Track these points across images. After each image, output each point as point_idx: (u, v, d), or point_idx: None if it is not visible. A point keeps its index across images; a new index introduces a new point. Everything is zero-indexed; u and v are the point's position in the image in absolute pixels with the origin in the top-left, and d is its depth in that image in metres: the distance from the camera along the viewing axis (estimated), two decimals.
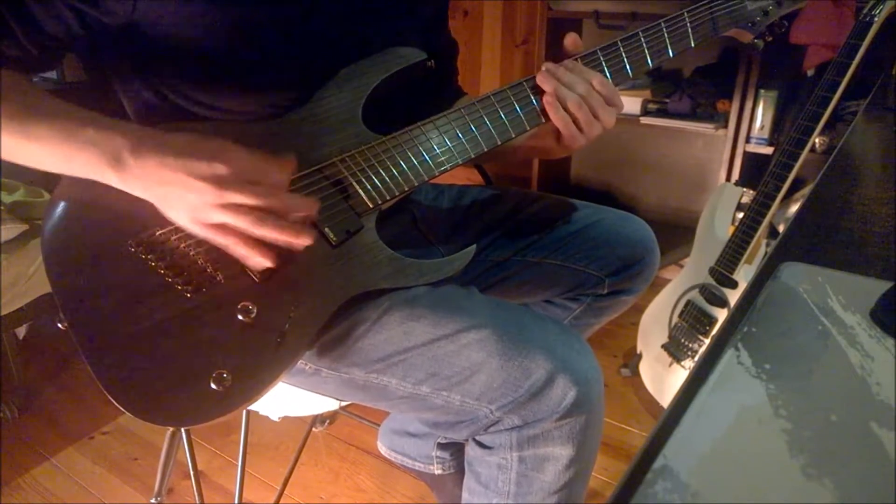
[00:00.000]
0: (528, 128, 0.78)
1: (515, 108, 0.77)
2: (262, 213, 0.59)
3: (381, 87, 0.77)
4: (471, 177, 2.33)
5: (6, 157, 0.60)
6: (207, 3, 0.66)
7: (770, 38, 0.85)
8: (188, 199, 0.58)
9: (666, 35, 0.79)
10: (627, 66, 0.79)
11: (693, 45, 0.81)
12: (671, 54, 0.81)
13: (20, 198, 1.55)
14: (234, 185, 0.58)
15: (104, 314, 0.65)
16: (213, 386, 0.63)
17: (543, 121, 0.77)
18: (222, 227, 0.60)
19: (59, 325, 0.66)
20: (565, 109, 0.74)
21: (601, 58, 0.78)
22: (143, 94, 0.75)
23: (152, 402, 0.63)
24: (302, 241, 0.61)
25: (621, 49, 0.78)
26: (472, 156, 0.77)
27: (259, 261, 0.62)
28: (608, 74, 0.78)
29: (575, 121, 0.75)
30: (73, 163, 0.59)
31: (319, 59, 0.76)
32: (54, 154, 0.59)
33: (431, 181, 0.80)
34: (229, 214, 0.59)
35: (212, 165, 0.57)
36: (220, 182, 0.57)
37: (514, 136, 0.77)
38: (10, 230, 1.47)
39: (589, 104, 0.74)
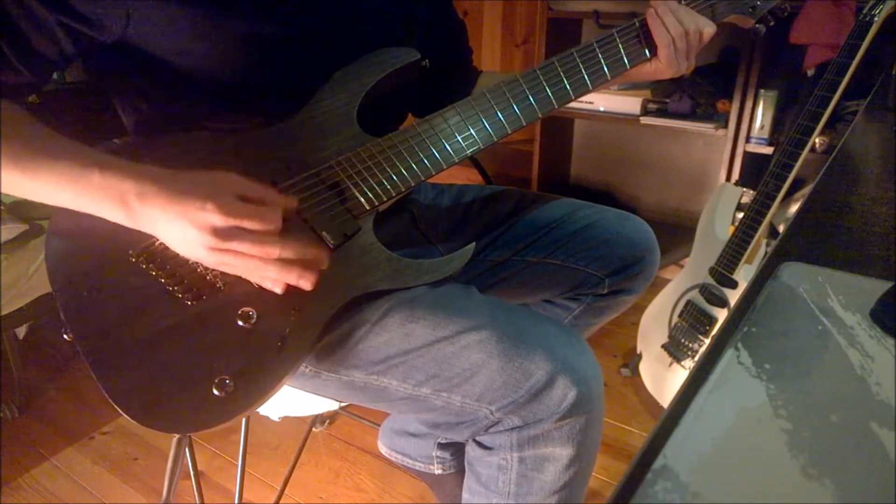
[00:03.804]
0: (525, 123, 0.78)
1: (511, 105, 0.77)
2: (256, 261, 0.62)
3: (377, 88, 0.77)
4: (471, 176, 2.33)
5: (11, 193, 0.60)
6: (201, 18, 0.67)
7: (772, 23, 0.85)
8: (189, 241, 0.60)
9: None
10: (625, 58, 0.79)
11: None
12: None
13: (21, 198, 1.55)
14: (229, 233, 0.59)
15: (107, 324, 0.65)
16: (215, 392, 0.63)
17: (537, 114, 0.78)
18: (225, 263, 0.62)
19: (65, 336, 0.66)
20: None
21: (597, 49, 0.78)
22: (139, 106, 0.76)
23: (155, 409, 0.63)
24: (305, 284, 0.64)
25: (617, 40, 0.78)
26: (469, 154, 0.77)
27: (269, 286, 0.65)
28: (605, 66, 0.78)
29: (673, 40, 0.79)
30: (82, 205, 0.60)
31: (315, 64, 0.76)
32: (61, 195, 0.60)
33: (430, 180, 0.80)
34: (227, 257, 0.61)
35: (206, 212, 0.58)
36: (215, 231, 0.59)
37: (509, 131, 0.78)
38: (10, 230, 1.47)
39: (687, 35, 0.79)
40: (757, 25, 0.84)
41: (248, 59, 0.71)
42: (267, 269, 0.62)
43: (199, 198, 0.59)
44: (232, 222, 0.59)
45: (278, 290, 0.65)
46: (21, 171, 0.58)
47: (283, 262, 0.62)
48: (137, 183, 0.59)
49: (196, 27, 0.67)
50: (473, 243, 0.77)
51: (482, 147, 0.77)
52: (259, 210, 0.61)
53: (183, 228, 0.59)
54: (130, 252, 0.66)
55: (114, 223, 0.61)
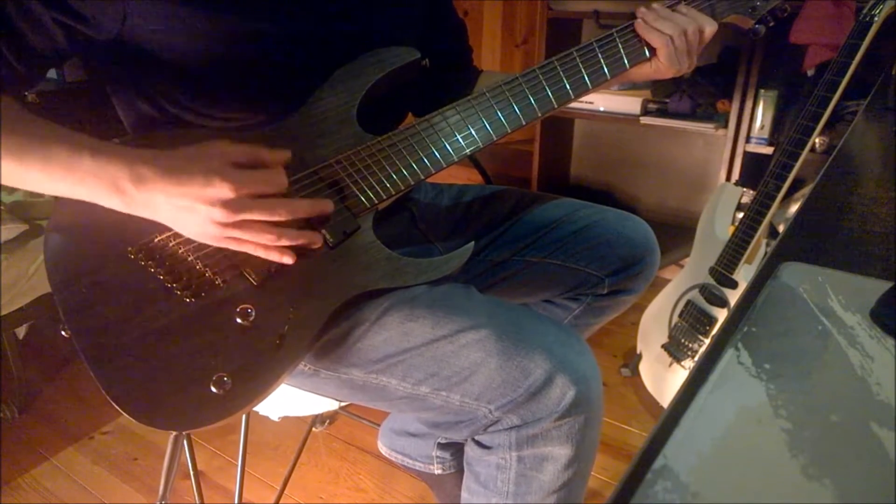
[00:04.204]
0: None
1: (511, 104, 0.77)
2: (271, 226, 0.63)
3: (377, 87, 0.77)
4: (471, 176, 2.33)
5: (6, 183, 0.60)
6: (198, 15, 0.67)
7: (772, 23, 0.85)
8: (198, 221, 0.60)
9: None
10: (625, 58, 0.79)
11: None
12: None
13: (20, 198, 1.55)
14: (241, 204, 0.60)
15: (106, 321, 0.65)
16: (213, 389, 0.63)
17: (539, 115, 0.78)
18: (236, 239, 0.63)
19: (63, 333, 0.66)
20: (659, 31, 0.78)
21: (596, 48, 0.78)
22: (137, 105, 0.75)
23: (154, 406, 0.63)
24: (316, 241, 0.67)
25: (616, 40, 0.78)
26: (469, 153, 0.77)
27: (278, 258, 0.66)
28: (604, 65, 0.78)
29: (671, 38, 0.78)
30: (76, 192, 0.60)
31: (315, 63, 0.76)
32: (55, 183, 0.60)
33: (429, 180, 0.80)
34: (241, 232, 0.62)
35: (214, 187, 0.58)
36: (226, 204, 0.59)
37: (509, 130, 0.78)
38: (10, 230, 1.47)
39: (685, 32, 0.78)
40: (757, 26, 0.84)
41: (247, 57, 0.71)
42: (279, 238, 0.64)
43: (199, 174, 0.58)
44: (241, 192, 0.59)
45: (289, 259, 0.66)
46: (15, 160, 0.58)
47: (291, 229, 0.64)
48: (130, 167, 0.58)
49: (193, 25, 0.67)
50: (472, 242, 0.77)
51: (482, 146, 0.77)
52: (264, 174, 0.62)
53: (189, 208, 0.59)
54: (129, 249, 0.66)
55: (113, 220, 0.61)
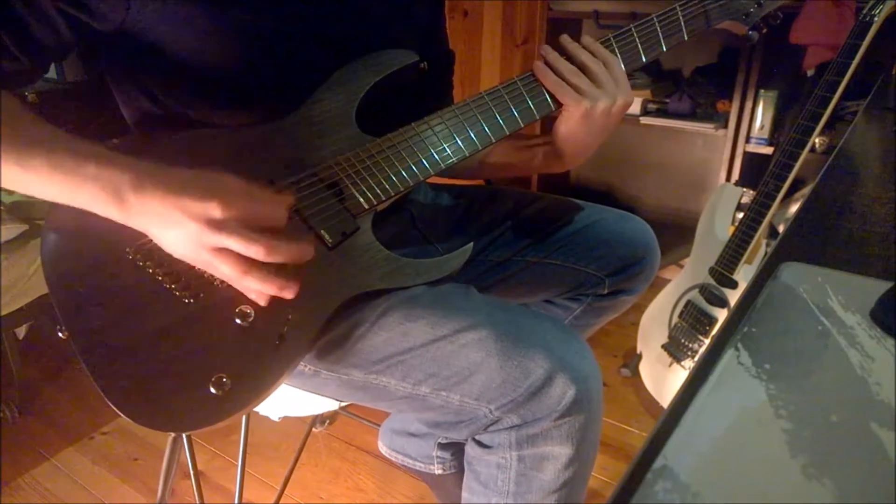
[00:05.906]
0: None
1: (510, 106, 0.77)
2: (249, 262, 0.58)
3: (375, 90, 0.77)
4: None
5: (6, 186, 0.59)
6: (201, 9, 0.66)
7: (765, 30, 0.85)
8: (180, 235, 0.58)
9: (658, 29, 0.79)
10: (621, 63, 0.79)
11: (686, 37, 0.81)
12: (664, 48, 0.81)
13: (20, 198, 1.55)
14: (226, 229, 0.57)
15: (103, 321, 0.65)
16: (212, 390, 0.62)
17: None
18: (207, 262, 0.59)
19: (60, 334, 0.66)
20: (557, 75, 0.76)
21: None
22: (138, 101, 0.75)
23: (153, 407, 0.63)
24: (287, 294, 0.60)
25: (614, 45, 0.79)
26: (468, 154, 0.77)
27: (256, 291, 0.61)
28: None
29: (575, 88, 0.75)
30: (75, 198, 0.59)
31: (315, 62, 0.76)
32: (55, 188, 0.58)
33: (428, 181, 0.80)
34: (218, 257, 0.58)
35: (206, 206, 0.56)
36: (211, 224, 0.57)
37: (522, 125, 0.77)
38: (10, 230, 1.47)
39: (588, 71, 0.76)
40: (751, 32, 0.84)
41: (247, 54, 0.71)
42: (246, 274, 0.59)
43: (198, 190, 0.57)
44: (229, 213, 0.57)
45: (262, 302, 0.62)
46: (16, 163, 0.57)
47: (266, 271, 0.59)
48: (134, 176, 0.57)
49: (195, 20, 0.67)
50: (472, 243, 0.77)
51: (480, 149, 0.77)
52: (263, 204, 0.60)
53: (177, 221, 0.57)
54: (127, 249, 0.66)
55: (111, 222, 0.60)
